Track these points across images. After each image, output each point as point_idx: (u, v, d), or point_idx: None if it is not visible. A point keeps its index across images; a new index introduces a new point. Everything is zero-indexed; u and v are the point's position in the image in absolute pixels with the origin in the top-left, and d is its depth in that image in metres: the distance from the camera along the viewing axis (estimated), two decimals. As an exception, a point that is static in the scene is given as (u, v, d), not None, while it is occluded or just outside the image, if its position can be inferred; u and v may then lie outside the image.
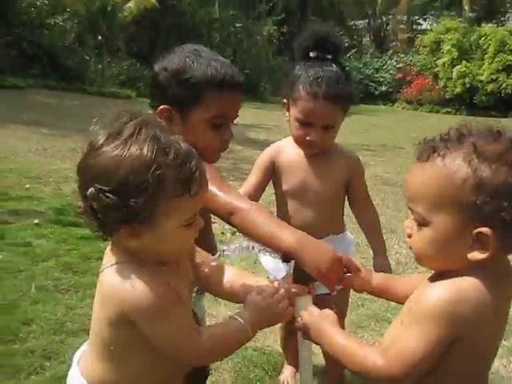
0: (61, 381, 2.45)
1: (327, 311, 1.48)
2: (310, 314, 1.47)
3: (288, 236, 1.51)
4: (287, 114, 2.30)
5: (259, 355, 2.96)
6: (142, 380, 1.39)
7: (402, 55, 28.14)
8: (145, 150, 1.19)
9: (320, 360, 2.83)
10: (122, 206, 1.18)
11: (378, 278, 1.62)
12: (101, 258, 1.36)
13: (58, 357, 2.81)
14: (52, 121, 10.87)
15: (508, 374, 2.97)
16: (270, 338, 3.13)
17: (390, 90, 26.47)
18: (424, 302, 1.28)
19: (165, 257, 1.33)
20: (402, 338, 1.30)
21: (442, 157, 1.24)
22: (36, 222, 4.78)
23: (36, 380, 2.64)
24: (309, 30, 2.33)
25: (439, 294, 1.26)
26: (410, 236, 1.35)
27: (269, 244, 1.55)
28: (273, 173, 2.38)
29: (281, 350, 2.90)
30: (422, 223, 1.30)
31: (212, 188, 1.58)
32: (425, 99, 25.23)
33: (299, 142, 2.28)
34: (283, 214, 2.35)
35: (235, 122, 1.84)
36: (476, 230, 1.20)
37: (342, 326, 2.66)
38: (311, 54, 2.25)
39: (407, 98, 25.77)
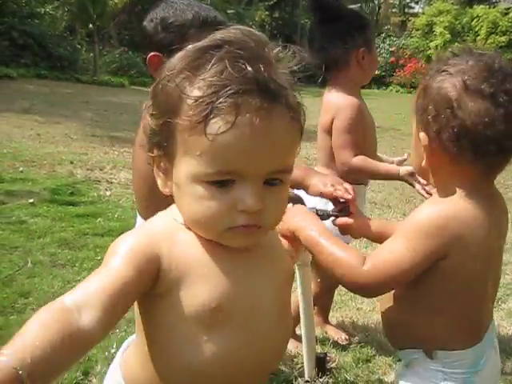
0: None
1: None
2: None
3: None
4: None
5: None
6: None
7: (395, 39, 28.03)
8: None
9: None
10: None
11: (375, 224, 1.61)
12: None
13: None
14: (45, 108, 10.78)
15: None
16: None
17: (383, 73, 26.33)
18: (415, 217, 1.29)
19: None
20: (388, 246, 1.30)
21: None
22: (31, 201, 4.74)
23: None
24: None
25: (430, 209, 1.29)
26: None
27: None
28: None
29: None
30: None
31: None
32: (418, 82, 24.97)
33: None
34: None
35: None
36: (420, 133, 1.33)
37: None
38: None
39: (400, 82, 25.69)
